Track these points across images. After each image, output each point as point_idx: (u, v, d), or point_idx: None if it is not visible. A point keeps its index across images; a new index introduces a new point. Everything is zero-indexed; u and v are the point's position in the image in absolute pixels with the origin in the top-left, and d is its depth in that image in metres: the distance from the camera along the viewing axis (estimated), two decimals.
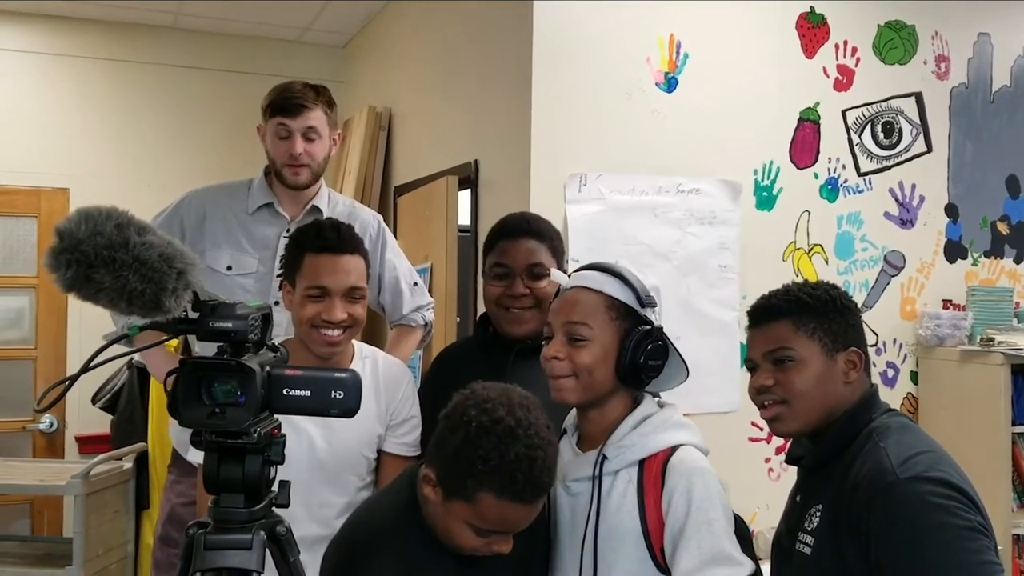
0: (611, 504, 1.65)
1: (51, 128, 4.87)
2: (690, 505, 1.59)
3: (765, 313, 1.74)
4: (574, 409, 1.80)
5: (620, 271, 1.75)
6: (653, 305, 1.74)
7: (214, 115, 5.06)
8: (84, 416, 4.63)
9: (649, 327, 1.71)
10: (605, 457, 1.67)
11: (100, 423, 4.43)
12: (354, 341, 2.12)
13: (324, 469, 1.97)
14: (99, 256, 1.04)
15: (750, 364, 1.76)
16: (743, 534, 1.69)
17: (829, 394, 1.67)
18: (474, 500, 1.49)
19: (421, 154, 4.13)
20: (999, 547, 2.84)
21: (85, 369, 1.17)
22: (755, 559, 1.64)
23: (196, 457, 1.78)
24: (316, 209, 2.67)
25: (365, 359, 2.10)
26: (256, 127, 2.71)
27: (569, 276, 1.83)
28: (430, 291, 3.62)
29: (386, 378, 2.10)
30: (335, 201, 2.75)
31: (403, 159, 4.42)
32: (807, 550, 1.63)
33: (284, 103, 2.57)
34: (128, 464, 3.98)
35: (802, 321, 1.69)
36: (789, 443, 1.84)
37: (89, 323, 4.44)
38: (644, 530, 1.62)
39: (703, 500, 1.59)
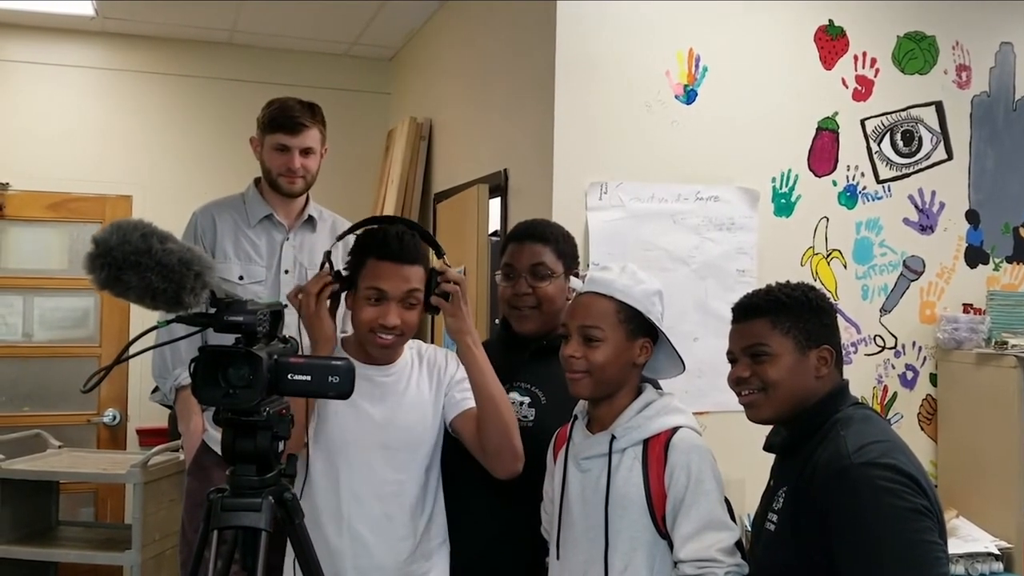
0: (619, 478, 1.87)
1: (115, 139, 5.12)
2: (689, 478, 1.82)
3: (746, 311, 1.89)
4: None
5: (626, 277, 1.95)
6: (656, 308, 1.95)
7: None
8: (144, 410, 4.86)
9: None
10: (614, 437, 1.89)
11: (159, 417, 4.61)
12: None
13: (387, 449, 2.07)
14: (127, 260, 1.25)
15: (731, 356, 1.91)
16: (728, 507, 1.91)
17: (800, 386, 1.81)
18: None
19: (457, 163, 4.30)
20: (1009, 543, 2.96)
21: (119, 359, 1.39)
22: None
23: None
24: (311, 219, 2.89)
25: (411, 348, 2.21)
26: (249, 139, 2.90)
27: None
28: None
29: (430, 359, 2.21)
30: (319, 210, 2.95)
31: (442, 168, 4.59)
32: (772, 527, 1.78)
33: (285, 122, 2.77)
34: (183, 455, 4.20)
35: (779, 320, 1.83)
36: (768, 432, 1.99)
37: (151, 323, 4.69)
38: (648, 499, 1.85)
39: (700, 473, 1.83)
